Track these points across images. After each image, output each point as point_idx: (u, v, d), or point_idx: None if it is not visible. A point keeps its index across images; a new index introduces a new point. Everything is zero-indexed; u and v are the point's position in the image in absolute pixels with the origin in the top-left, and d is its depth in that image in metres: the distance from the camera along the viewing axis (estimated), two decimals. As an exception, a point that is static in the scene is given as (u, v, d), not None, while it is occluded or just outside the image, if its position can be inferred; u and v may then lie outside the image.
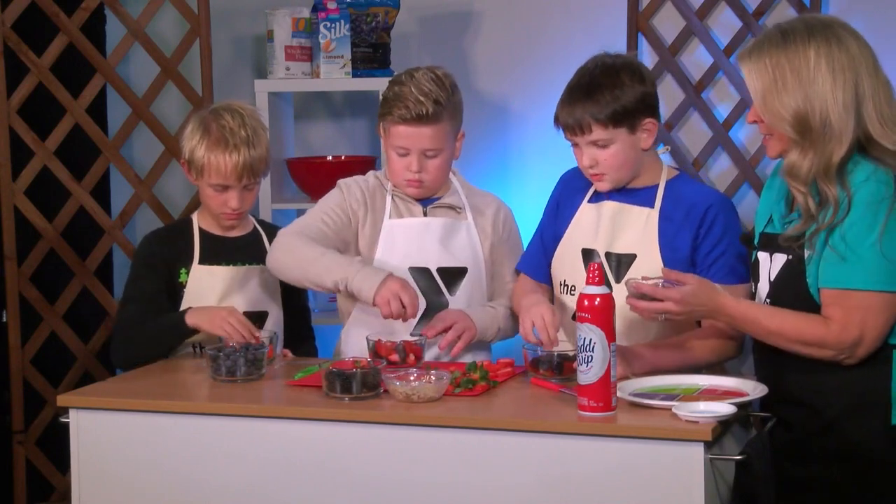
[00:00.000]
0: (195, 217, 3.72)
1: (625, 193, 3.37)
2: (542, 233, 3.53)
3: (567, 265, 3.40)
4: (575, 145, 3.34)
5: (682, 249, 3.30)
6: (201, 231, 3.69)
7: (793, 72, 2.92)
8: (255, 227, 3.76)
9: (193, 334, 3.52)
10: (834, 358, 2.91)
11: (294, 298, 3.77)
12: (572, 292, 3.38)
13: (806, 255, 2.94)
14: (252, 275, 3.67)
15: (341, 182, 3.63)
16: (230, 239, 3.70)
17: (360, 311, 3.56)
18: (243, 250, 3.68)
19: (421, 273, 3.55)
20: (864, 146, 2.93)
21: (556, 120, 3.34)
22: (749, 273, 3.19)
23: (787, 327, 2.94)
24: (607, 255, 3.33)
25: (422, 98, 3.46)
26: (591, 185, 3.41)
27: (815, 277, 2.93)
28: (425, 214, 3.59)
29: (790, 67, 2.92)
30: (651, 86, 3.32)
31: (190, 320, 3.50)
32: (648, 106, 3.30)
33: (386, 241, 3.55)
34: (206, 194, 3.65)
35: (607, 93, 3.25)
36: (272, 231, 3.71)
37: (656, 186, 3.35)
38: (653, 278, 3.02)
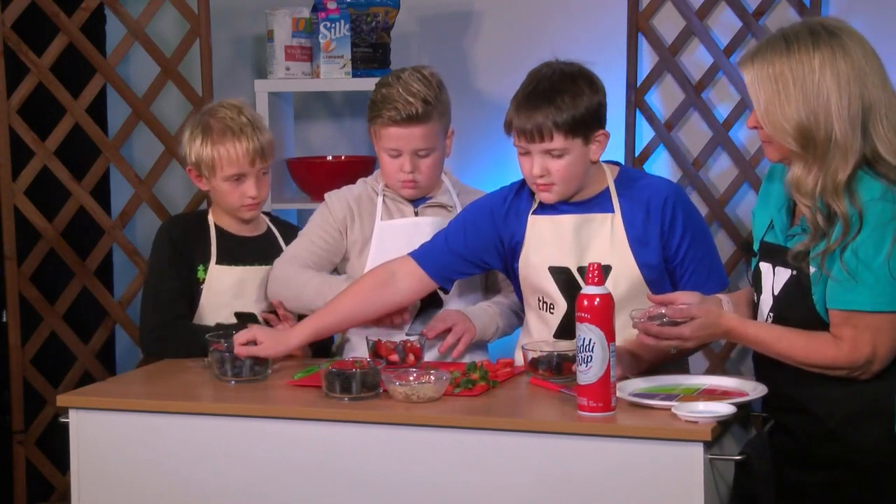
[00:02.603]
0: (209, 215, 3.71)
1: (576, 205, 3.31)
2: (449, 236, 3.40)
3: (537, 284, 3.34)
4: (525, 153, 3.27)
5: (655, 249, 3.27)
6: (217, 229, 3.68)
7: (796, 82, 2.82)
8: (268, 226, 3.76)
9: None
10: (847, 375, 2.88)
11: None
12: (551, 310, 3.34)
13: (811, 272, 2.89)
14: (268, 275, 3.66)
15: (327, 196, 3.65)
16: (245, 238, 3.70)
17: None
18: (259, 251, 3.67)
19: (414, 273, 3.54)
20: (870, 161, 2.84)
21: (509, 125, 3.26)
22: (721, 262, 3.24)
23: (797, 350, 2.90)
24: (580, 269, 3.27)
25: (410, 98, 3.47)
26: (529, 201, 3.35)
27: (822, 296, 2.88)
28: (416, 215, 3.59)
29: (793, 77, 2.82)
30: (603, 96, 3.27)
31: None
32: (601, 117, 3.26)
33: (378, 243, 3.56)
34: (221, 191, 3.64)
35: (568, 99, 3.19)
36: (286, 229, 3.74)
37: (607, 189, 3.31)
38: (640, 309, 2.97)
